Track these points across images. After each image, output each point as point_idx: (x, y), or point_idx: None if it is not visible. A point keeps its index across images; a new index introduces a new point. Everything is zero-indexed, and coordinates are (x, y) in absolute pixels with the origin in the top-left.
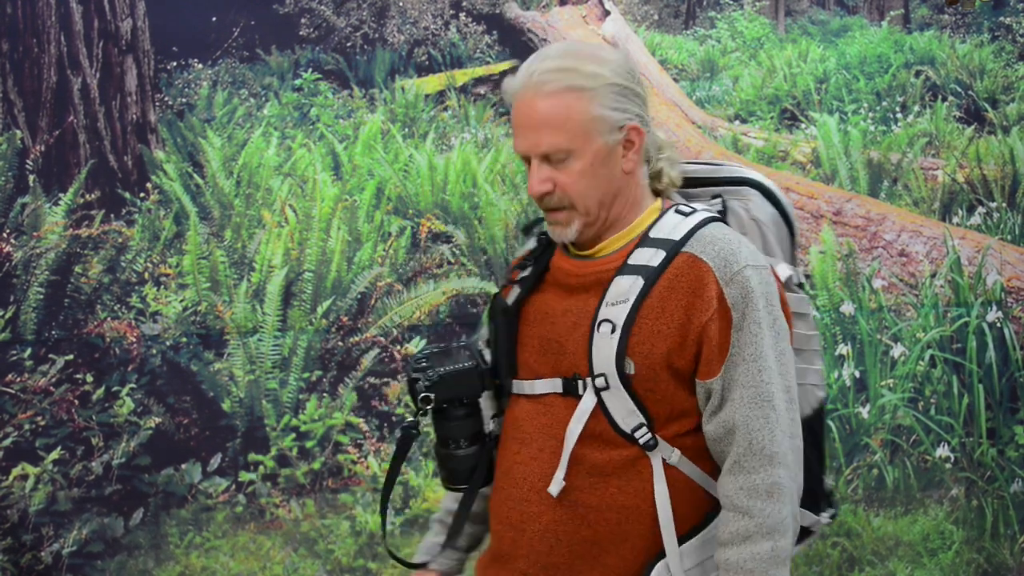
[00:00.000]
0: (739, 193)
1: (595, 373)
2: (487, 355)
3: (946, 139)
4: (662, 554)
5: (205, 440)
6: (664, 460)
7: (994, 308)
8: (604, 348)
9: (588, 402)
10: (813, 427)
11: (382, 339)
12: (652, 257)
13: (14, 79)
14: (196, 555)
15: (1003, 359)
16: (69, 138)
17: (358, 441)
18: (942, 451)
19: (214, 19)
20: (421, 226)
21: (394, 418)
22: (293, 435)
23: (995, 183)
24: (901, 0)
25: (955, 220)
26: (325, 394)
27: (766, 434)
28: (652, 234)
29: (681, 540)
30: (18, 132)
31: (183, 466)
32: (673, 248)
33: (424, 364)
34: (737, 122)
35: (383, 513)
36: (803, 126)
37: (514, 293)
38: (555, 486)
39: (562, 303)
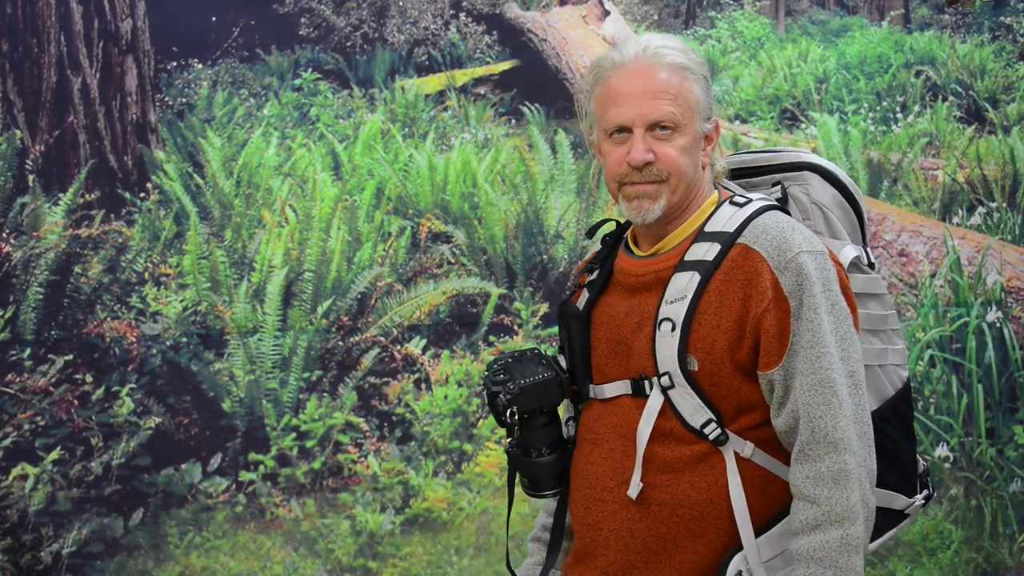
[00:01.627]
0: (799, 178)
1: (660, 372)
2: (562, 361)
3: (946, 139)
4: (738, 548)
5: (205, 440)
6: (737, 454)
7: (994, 308)
8: (666, 346)
9: (655, 401)
10: (899, 408)
11: (382, 339)
12: (708, 251)
13: (14, 79)
14: (196, 555)
15: (1003, 359)
16: (69, 138)
17: (358, 441)
18: (941, 451)
19: (214, 19)
20: (421, 226)
21: (394, 417)
22: (293, 435)
23: (995, 183)
24: (901, 0)
25: (955, 220)
26: (325, 394)
27: (829, 420)
28: (707, 228)
29: (759, 532)
30: (18, 132)
31: (183, 466)
32: (728, 240)
33: (503, 377)
34: (737, 122)
35: (508, 555)
36: (803, 126)
37: (583, 298)
38: (633, 489)
39: (625, 304)
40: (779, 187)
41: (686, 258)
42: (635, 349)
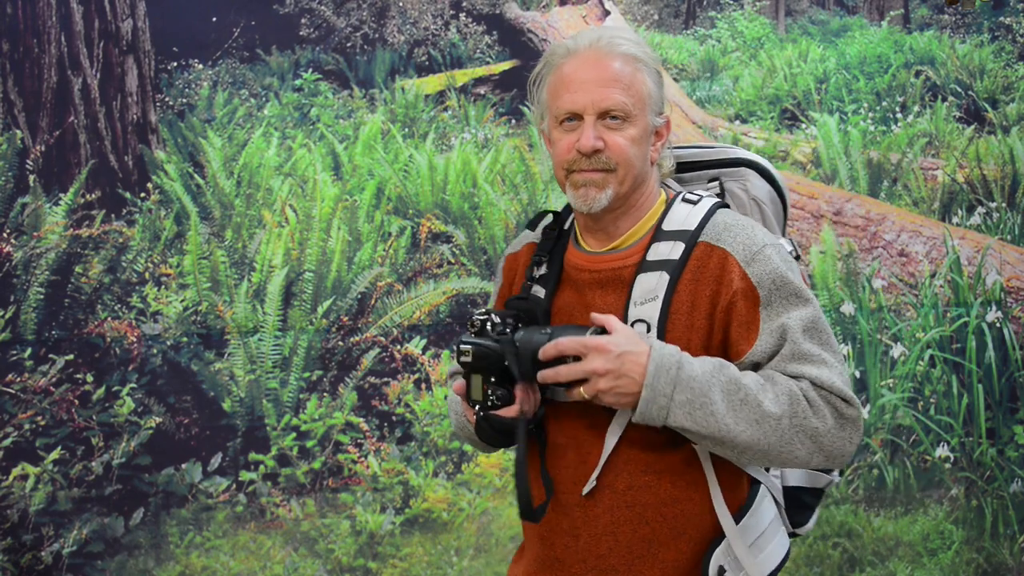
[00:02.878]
0: (736, 174)
1: None
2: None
3: (946, 139)
4: (715, 543)
5: (205, 440)
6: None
7: (994, 308)
8: None
9: None
10: None
11: (382, 339)
12: (671, 250)
13: (14, 79)
14: (196, 555)
15: (1003, 359)
16: (69, 138)
17: (358, 441)
18: (942, 451)
19: (214, 19)
20: (421, 226)
21: (394, 417)
22: (293, 435)
23: (995, 183)
24: (901, 0)
25: (955, 220)
26: (325, 394)
27: (826, 379)
28: (665, 227)
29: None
30: (18, 132)
31: (183, 466)
32: (690, 239)
33: (476, 330)
34: (737, 122)
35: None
36: (803, 126)
37: (537, 292)
38: (587, 486)
39: (580, 301)
40: (716, 183)
41: (648, 257)
42: None
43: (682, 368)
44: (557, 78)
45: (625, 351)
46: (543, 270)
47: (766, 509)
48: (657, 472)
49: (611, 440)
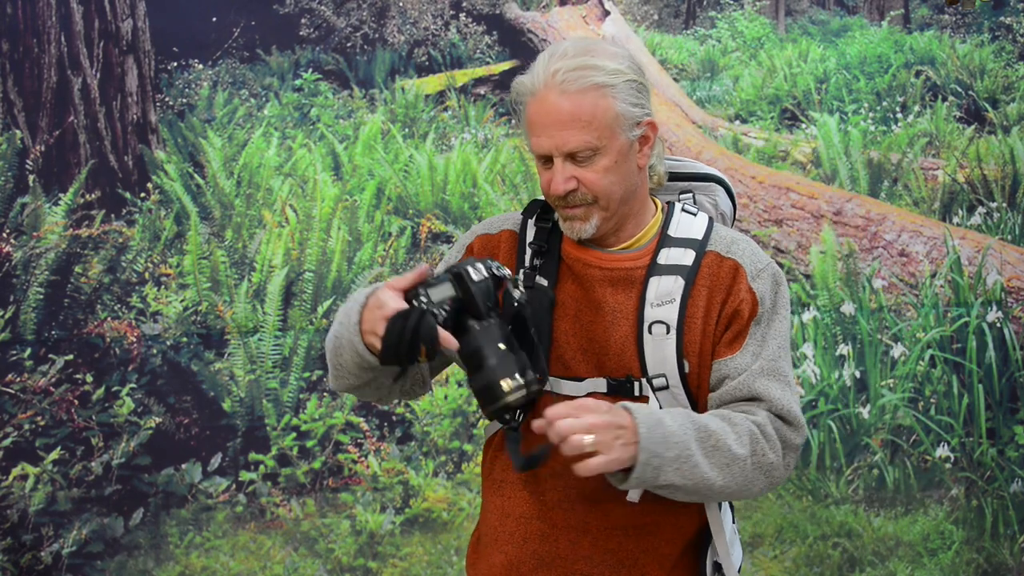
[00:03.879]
0: (707, 188)
1: (652, 374)
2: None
3: (946, 139)
4: (700, 534)
5: (205, 440)
6: None
7: (994, 308)
8: (661, 349)
9: (654, 403)
10: None
11: None
12: (683, 256)
13: (14, 79)
14: (196, 555)
15: (1003, 359)
16: (69, 138)
17: (358, 441)
18: (942, 451)
19: (214, 19)
20: (421, 226)
21: (394, 417)
22: (293, 435)
23: (995, 183)
24: (901, 0)
25: (955, 220)
26: (325, 394)
27: (786, 403)
28: (672, 233)
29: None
30: (18, 132)
31: (183, 466)
32: (699, 247)
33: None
34: (737, 122)
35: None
36: (803, 126)
37: (540, 281)
38: (634, 493)
39: (588, 296)
40: (689, 195)
41: (659, 261)
42: (612, 348)
43: (664, 425)
44: (527, 117)
45: (613, 417)
46: (541, 260)
47: (726, 509)
48: None
49: None
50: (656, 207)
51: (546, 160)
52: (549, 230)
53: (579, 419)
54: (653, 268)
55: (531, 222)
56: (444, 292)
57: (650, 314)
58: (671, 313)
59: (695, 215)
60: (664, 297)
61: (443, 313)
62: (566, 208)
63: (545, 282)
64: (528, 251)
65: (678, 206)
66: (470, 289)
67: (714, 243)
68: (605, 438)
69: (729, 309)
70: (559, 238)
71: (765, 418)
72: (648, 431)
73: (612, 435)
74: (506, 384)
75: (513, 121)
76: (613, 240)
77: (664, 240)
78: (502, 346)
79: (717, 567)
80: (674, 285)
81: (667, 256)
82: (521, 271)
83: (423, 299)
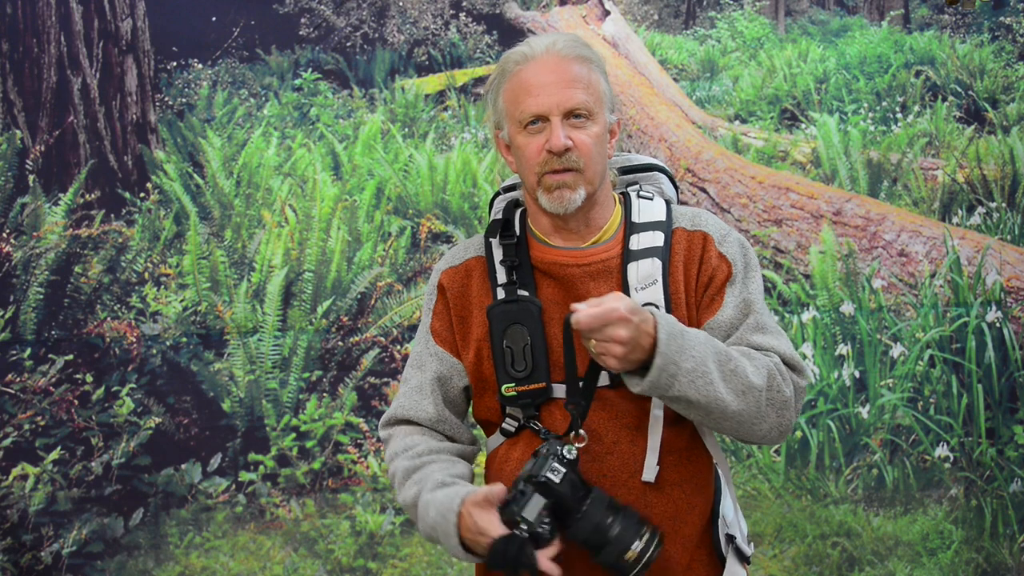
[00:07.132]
0: (651, 178)
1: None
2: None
3: (946, 139)
4: (715, 516)
5: (205, 440)
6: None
7: (993, 308)
8: None
9: None
10: None
11: (382, 339)
12: (654, 239)
13: (14, 79)
14: (196, 555)
15: (1002, 359)
16: (69, 138)
17: (358, 441)
18: (941, 451)
19: (214, 19)
20: (421, 226)
21: None
22: (293, 435)
23: (995, 183)
24: (901, 0)
25: (955, 220)
26: (325, 394)
27: (786, 350)
28: (636, 219)
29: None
30: (18, 132)
31: (183, 466)
32: (667, 228)
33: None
34: (737, 122)
35: None
36: (803, 126)
37: (521, 293)
38: (649, 472)
39: (570, 294)
40: (637, 185)
41: (631, 247)
42: None
43: (685, 337)
44: (517, 83)
45: (640, 320)
46: (517, 274)
47: (725, 487)
48: (677, 451)
49: (657, 424)
50: (615, 200)
51: (536, 123)
52: (515, 244)
53: (611, 332)
54: (628, 255)
55: (495, 242)
56: (537, 506)
57: (640, 297)
58: (656, 294)
59: (652, 199)
60: (646, 280)
61: (545, 528)
62: (556, 174)
63: (526, 293)
64: (501, 269)
65: (634, 194)
66: (558, 491)
67: (678, 220)
68: (618, 351)
69: (704, 276)
70: (526, 249)
71: (778, 359)
72: (667, 337)
73: (627, 350)
74: (632, 554)
75: (484, 104)
76: (585, 232)
77: (631, 227)
78: (610, 520)
79: (729, 539)
80: (652, 267)
81: (638, 241)
82: (505, 287)
83: (522, 525)
